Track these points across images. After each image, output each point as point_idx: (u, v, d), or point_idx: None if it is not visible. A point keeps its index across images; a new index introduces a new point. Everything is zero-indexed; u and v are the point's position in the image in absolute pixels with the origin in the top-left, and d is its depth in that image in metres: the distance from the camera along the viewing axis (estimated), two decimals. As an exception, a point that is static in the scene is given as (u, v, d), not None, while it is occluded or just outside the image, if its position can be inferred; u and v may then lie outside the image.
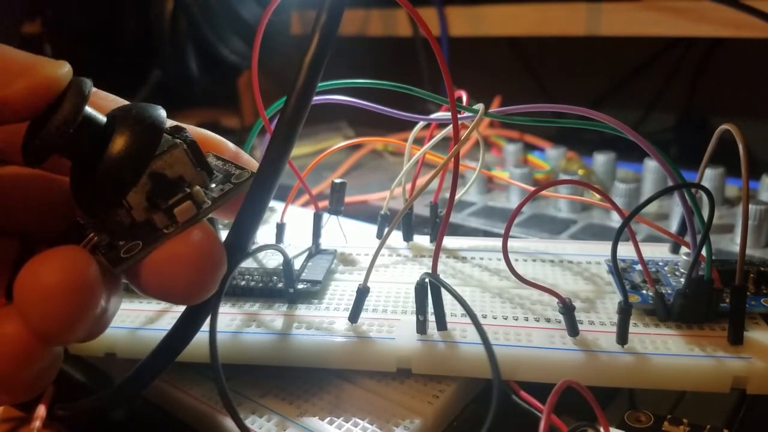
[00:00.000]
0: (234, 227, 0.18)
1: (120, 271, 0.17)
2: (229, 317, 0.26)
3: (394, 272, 0.29)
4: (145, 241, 0.17)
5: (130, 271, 0.17)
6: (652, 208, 0.43)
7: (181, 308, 0.19)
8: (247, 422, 0.22)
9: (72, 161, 0.17)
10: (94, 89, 0.20)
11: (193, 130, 0.20)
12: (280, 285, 0.27)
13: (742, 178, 0.23)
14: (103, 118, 0.17)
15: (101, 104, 0.20)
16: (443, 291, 0.23)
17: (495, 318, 0.25)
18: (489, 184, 0.49)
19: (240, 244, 0.18)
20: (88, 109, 0.17)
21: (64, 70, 0.16)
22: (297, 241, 0.31)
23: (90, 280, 0.16)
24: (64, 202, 0.20)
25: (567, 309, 0.23)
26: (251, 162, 0.21)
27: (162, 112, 0.18)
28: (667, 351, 0.23)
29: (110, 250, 0.17)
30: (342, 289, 0.28)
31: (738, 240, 0.31)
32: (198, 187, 0.18)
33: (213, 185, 0.19)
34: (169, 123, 0.19)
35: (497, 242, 0.30)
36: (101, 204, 0.17)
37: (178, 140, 0.18)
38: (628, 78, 0.65)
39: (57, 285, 0.15)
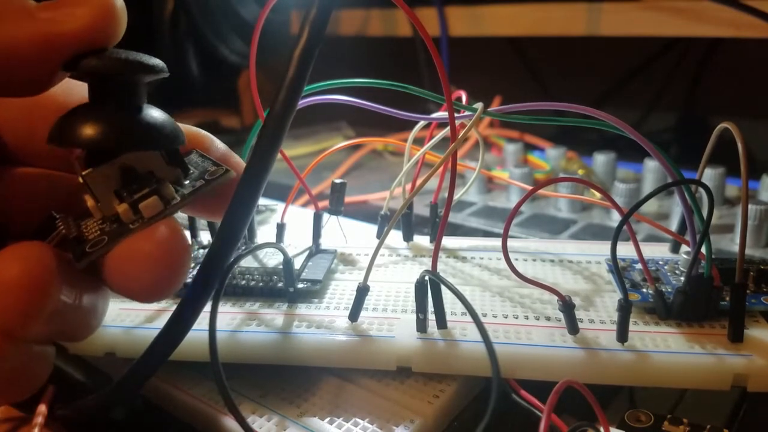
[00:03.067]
0: (223, 224, 0.18)
1: (83, 265, 0.17)
2: (229, 316, 0.26)
3: (394, 272, 0.29)
4: (110, 236, 0.17)
5: (96, 266, 0.17)
6: (652, 208, 0.43)
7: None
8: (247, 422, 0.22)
9: (90, 97, 0.17)
10: None
11: (183, 128, 0.20)
12: (280, 284, 0.27)
13: (741, 178, 0.23)
14: (142, 103, 0.18)
15: None
16: (443, 289, 0.23)
17: (495, 316, 0.25)
18: (489, 184, 0.49)
19: (230, 240, 0.18)
20: (144, 90, 0.17)
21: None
22: (297, 241, 0.31)
23: (43, 273, 0.16)
24: (65, 201, 0.20)
25: (567, 307, 0.23)
26: (239, 163, 0.21)
27: (176, 135, 0.18)
28: (667, 349, 0.23)
29: (78, 244, 0.17)
30: (342, 289, 0.28)
31: (738, 240, 0.31)
32: (167, 183, 0.18)
33: (187, 182, 0.18)
34: None
35: (497, 242, 0.30)
36: (61, 139, 0.17)
37: None
38: (628, 78, 0.65)
39: (12, 280, 0.15)
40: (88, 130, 0.16)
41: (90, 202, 0.18)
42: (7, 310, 0.16)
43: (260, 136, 0.17)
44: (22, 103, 0.17)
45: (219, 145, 0.21)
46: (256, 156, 0.17)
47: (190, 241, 0.18)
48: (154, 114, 0.18)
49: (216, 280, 0.18)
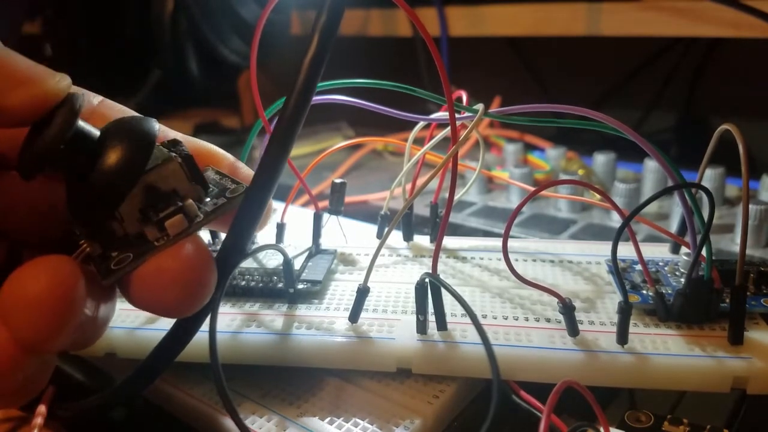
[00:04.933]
0: (231, 230, 0.18)
1: (109, 282, 0.17)
2: (229, 317, 0.26)
3: (394, 272, 0.29)
4: (135, 254, 0.17)
5: (121, 282, 0.17)
6: (652, 208, 0.43)
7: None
8: (247, 422, 0.22)
9: (65, 174, 0.18)
10: (104, 98, 0.20)
11: (193, 143, 0.21)
12: (280, 285, 0.27)
13: (742, 178, 0.23)
14: (96, 132, 0.18)
15: (108, 114, 0.20)
16: (443, 291, 0.23)
17: (495, 318, 0.25)
18: (489, 184, 0.49)
19: (238, 243, 0.18)
20: (81, 123, 0.17)
21: (63, 83, 0.17)
22: (297, 241, 0.31)
23: (73, 289, 0.16)
24: (64, 208, 0.20)
25: (567, 309, 0.23)
26: (249, 174, 0.21)
27: (154, 126, 0.18)
28: (667, 351, 0.23)
29: (102, 261, 0.17)
30: (342, 289, 0.28)
31: (738, 240, 0.31)
32: (191, 201, 0.18)
33: (207, 199, 0.19)
34: (171, 134, 0.19)
35: (497, 242, 0.30)
36: (94, 216, 0.17)
37: (174, 154, 0.18)
38: (628, 78, 0.65)
39: (40, 294, 0.15)
40: (103, 195, 0.17)
41: (114, 221, 0.18)
42: (33, 325, 0.15)
43: (270, 143, 0.17)
44: None
45: (228, 157, 0.21)
46: (265, 163, 0.17)
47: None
48: (118, 129, 0.18)
49: (221, 287, 0.18)
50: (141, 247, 0.17)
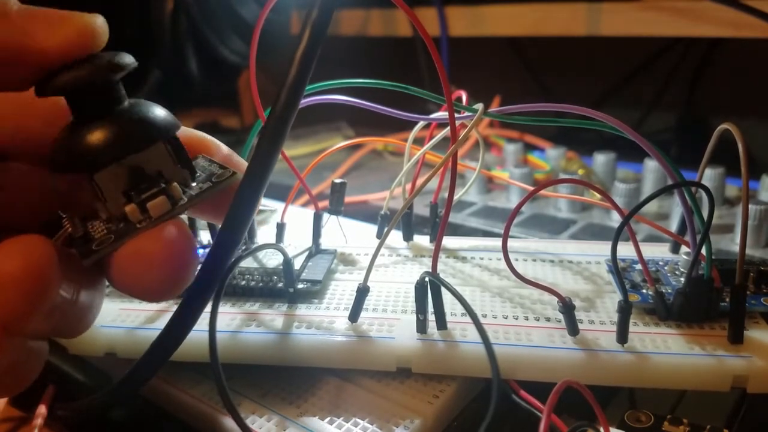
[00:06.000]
0: (224, 225, 0.18)
1: (89, 263, 0.17)
2: (229, 317, 0.26)
3: (394, 272, 0.29)
4: (117, 235, 0.17)
5: (102, 264, 0.17)
6: (652, 208, 0.43)
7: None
8: (247, 422, 0.22)
9: (73, 113, 0.17)
10: None
11: (187, 131, 0.20)
12: (280, 285, 0.27)
13: (741, 178, 0.23)
14: (126, 101, 0.18)
15: None
16: (443, 290, 0.23)
17: (495, 317, 0.25)
18: (489, 184, 0.49)
19: (232, 240, 0.18)
20: (121, 86, 0.17)
21: (98, 20, 0.17)
22: (297, 241, 0.31)
23: (46, 269, 0.16)
24: (60, 197, 0.20)
25: (567, 308, 0.23)
26: (242, 164, 0.21)
27: (172, 122, 0.18)
28: (667, 350, 0.23)
29: (84, 243, 0.17)
30: (342, 289, 0.28)
31: (738, 240, 0.31)
32: (175, 184, 0.18)
33: (194, 184, 0.19)
34: None
35: (497, 242, 0.30)
36: (66, 165, 0.17)
37: None
38: (628, 78, 0.65)
39: (12, 272, 0.15)
40: (87, 151, 0.17)
41: (98, 201, 0.18)
42: (7, 303, 0.15)
43: (261, 138, 0.17)
44: (14, 99, 0.17)
45: (222, 147, 0.21)
46: (258, 158, 0.17)
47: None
48: (143, 109, 0.18)
49: (217, 281, 0.18)
50: (123, 229, 0.17)
